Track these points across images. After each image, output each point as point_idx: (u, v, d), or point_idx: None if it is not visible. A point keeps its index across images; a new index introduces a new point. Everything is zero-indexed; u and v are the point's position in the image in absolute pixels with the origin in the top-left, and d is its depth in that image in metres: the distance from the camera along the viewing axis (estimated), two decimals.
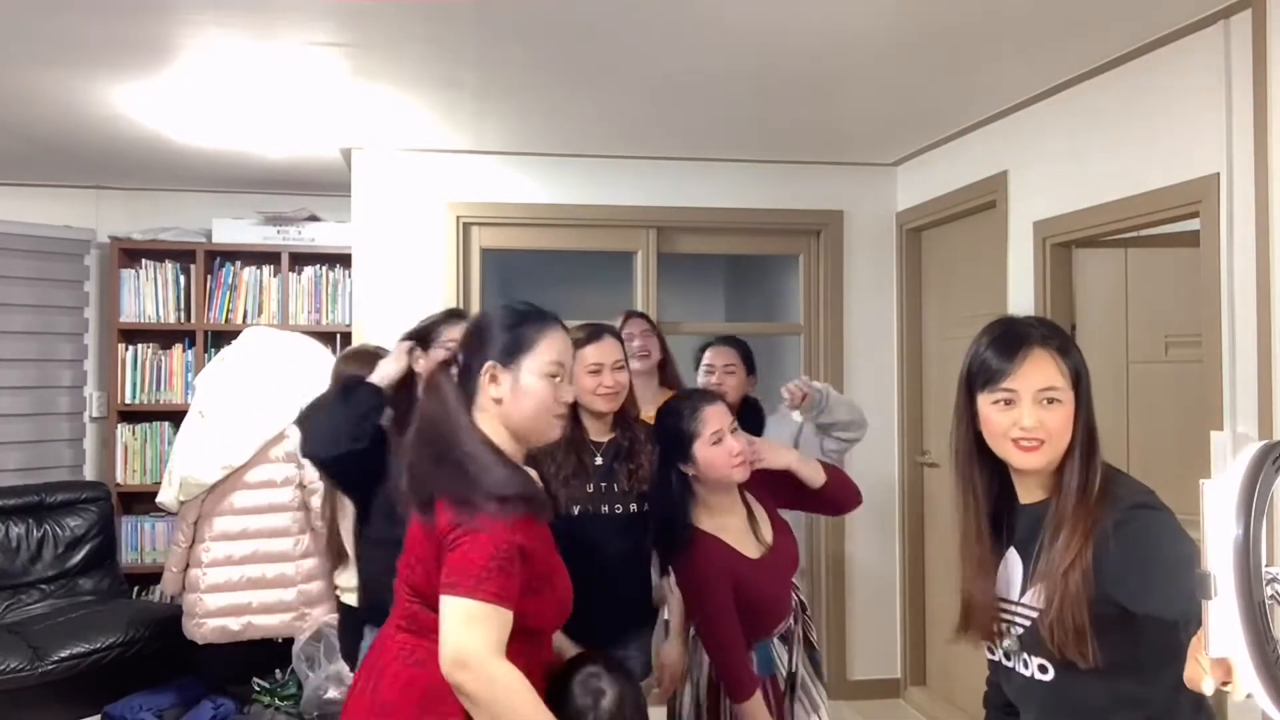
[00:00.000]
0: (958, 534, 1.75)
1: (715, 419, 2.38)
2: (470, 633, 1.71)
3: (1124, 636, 1.56)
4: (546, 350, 1.89)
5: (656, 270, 4.71)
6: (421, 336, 2.55)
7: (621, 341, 2.76)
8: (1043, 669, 1.63)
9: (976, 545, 1.71)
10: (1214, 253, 2.84)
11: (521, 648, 1.78)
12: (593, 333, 2.69)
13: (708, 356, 3.48)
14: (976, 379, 1.67)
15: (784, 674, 2.49)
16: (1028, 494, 1.70)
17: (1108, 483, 1.63)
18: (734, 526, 2.43)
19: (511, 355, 1.88)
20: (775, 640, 2.46)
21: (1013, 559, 1.69)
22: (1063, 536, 1.58)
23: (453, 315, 2.62)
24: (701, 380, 3.46)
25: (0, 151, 4.56)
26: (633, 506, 2.59)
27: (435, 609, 1.75)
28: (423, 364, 2.49)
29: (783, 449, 2.57)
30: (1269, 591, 0.95)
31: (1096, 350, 3.59)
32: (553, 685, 1.95)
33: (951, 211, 4.33)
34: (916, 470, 4.71)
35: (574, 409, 2.62)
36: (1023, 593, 1.65)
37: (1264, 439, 1.02)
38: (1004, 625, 1.68)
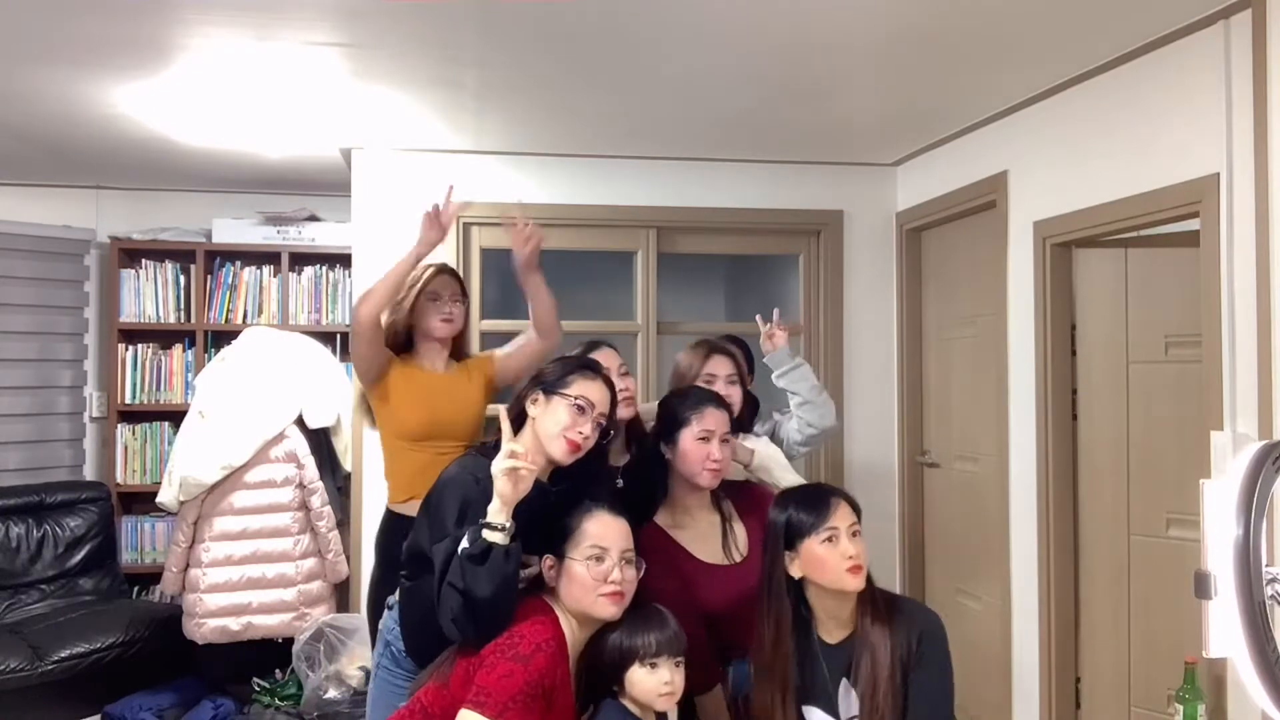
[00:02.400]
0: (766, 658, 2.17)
1: (713, 421, 2.42)
2: None
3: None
4: (586, 535, 2.10)
5: (656, 270, 4.71)
6: (546, 382, 2.24)
7: (616, 350, 2.77)
8: None
9: (784, 678, 2.12)
10: (1214, 253, 2.84)
11: None
12: (589, 346, 2.75)
13: (708, 366, 3.16)
14: (801, 529, 2.15)
15: None
16: (832, 634, 2.16)
17: (889, 598, 2.21)
18: (694, 529, 2.45)
19: (560, 544, 2.12)
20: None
21: (844, 688, 2.11)
22: (883, 662, 2.09)
23: (585, 366, 2.28)
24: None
25: (0, 151, 4.56)
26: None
27: None
28: (538, 409, 2.21)
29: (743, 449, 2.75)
30: (1269, 591, 0.95)
31: (1096, 350, 3.59)
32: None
33: (951, 211, 4.33)
34: (916, 470, 4.71)
35: None
36: (862, 714, 2.07)
37: (1264, 439, 1.02)
38: None
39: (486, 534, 1.99)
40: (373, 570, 3.05)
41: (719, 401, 2.51)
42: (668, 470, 2.44)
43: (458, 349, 3.16)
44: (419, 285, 3.08)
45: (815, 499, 2.18)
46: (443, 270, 3.17)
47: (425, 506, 2.27)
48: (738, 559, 2.43)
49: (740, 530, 2.49)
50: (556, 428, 2.17)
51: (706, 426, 2.40)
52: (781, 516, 2.18)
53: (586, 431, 2.18)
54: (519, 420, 2.23)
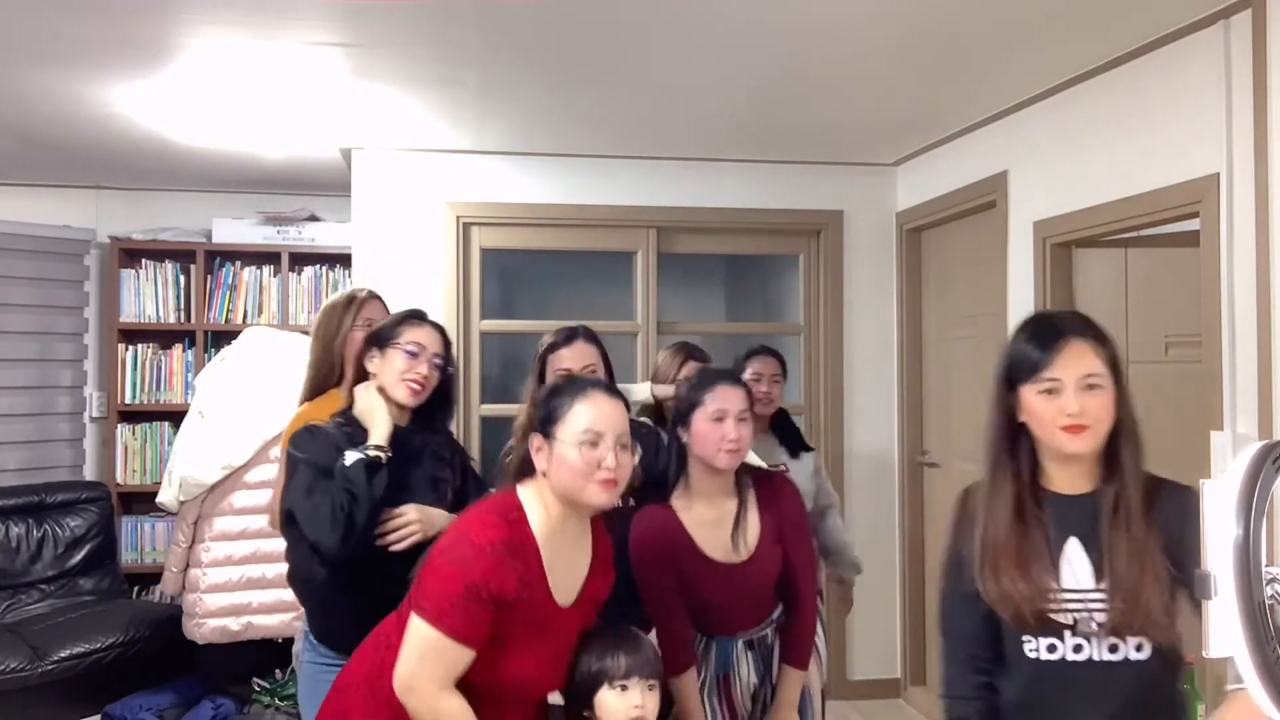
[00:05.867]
0: (986, 529, 1.76)
1: (726, 399, 2.35)
2: (422, 661, 1.80)
3: (1179, 615, 1.68)
4: (579, 418, 1.92)
5: (656, 270, 4.71)
6: (379, 338, 2.44)
7: (598, 343, 2.75)
8: (1139, 648, 1.68)
9: (1024, 533, 1.73)
10: (1214, 253, 2.84)
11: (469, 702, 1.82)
12: (567, 336, 2.70)
13: (755, 365, 3.36)
14: (1018, 371, 1.73)
15: (746, 683, 2.43)
16: (1072, 485, 1.74)
17: (1146, 475, 1.74)
18: (706, 516, 2.39)
19: (549, 425, 1.94)
20: (739, 642, 2.42)
21: (1074, 548, 1.72)
22: (1135, 520, 1.67)
23: (412, 316, 2.49)
24: None
25: (0, 151, 4.56)
26: (617, 501, 2.60)
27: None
28: (376, 364, 2.40)
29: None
30: (1269, 591, 0.95)
31: None
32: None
33: (951, 211, 4.33)
34: (916, 470, 4.71)
35: None
36: (1098, 580, 1.69)
37: (1264, 439, 1.02)
38: (1075, 615, 1.70)
39: (373, 453, 2.23)
40: None
41: (734, 379, 2.45)
42: (685, 452, 2.40)
43: None
44: (354, 314, 2.91)
45: (1044, 335, 1.73)
46: (373, 296, 3.01)
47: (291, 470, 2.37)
48: (744, 555, 2.38)
49: (754, 523, 2.41)
50: (395, 375, 2.35)
51: (720, 405, 2.33)
52: (1008, 347, 1.80)
53: (424, 371, 2.37)
54: (361, 379, 2.41)
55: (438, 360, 2.41)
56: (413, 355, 2.37)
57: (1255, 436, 2.71)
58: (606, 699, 2.02)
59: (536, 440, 1.95)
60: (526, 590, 1.85)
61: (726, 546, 2.36)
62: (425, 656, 1.79)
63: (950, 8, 2.81)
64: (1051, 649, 1.72)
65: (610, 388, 2.04)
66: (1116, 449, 1.70)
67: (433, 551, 1.89)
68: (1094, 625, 1.68)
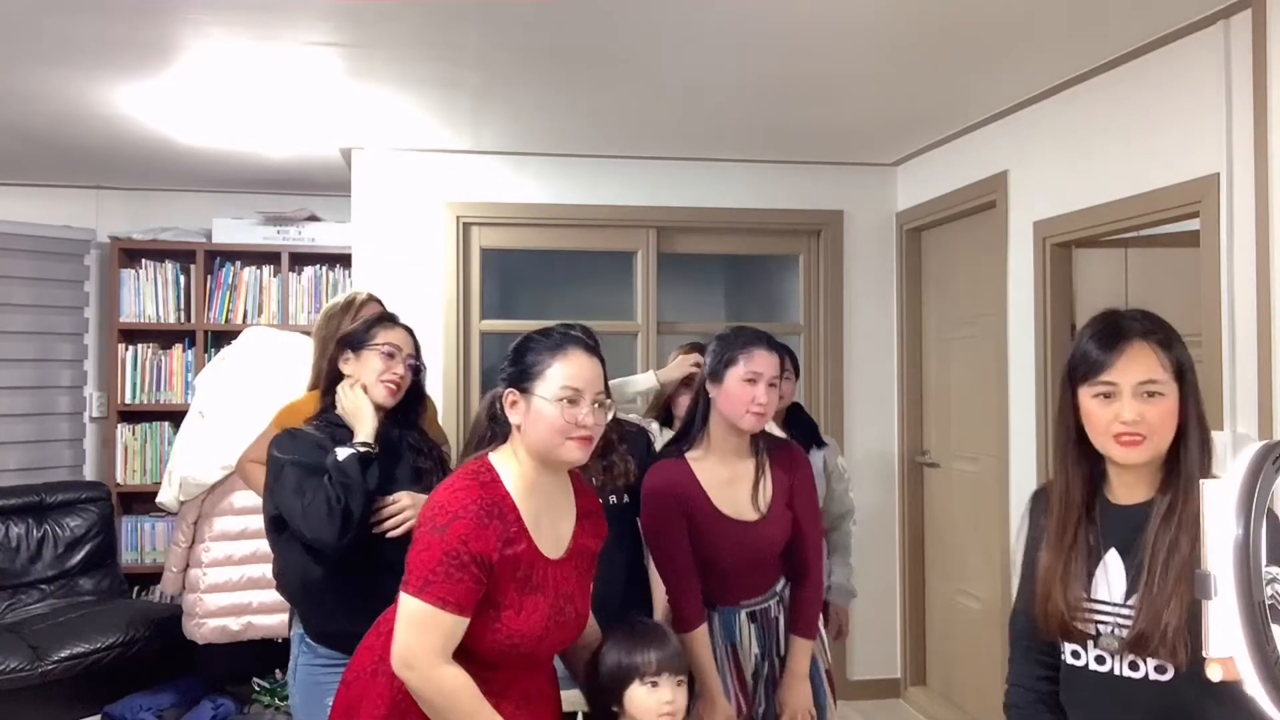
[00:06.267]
0: (1056, 528, 1.70)
1: (763, 363, 2.34)
2: (415, 634, 1.78)
3: None
4: (558, 374, 1.87)
5: (656, 270, 4.71)
6: (353, 341, 2.51)
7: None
8: (1161, 669, 1.60)
9: (1072, 541, 1.68)
10: (1214, 253, 2.84)
11: (473, 671, 1.80)
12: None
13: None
14: (1078, 372, 1.66)
15: (748, 654, 2.42)
16: (1128, 494, 1.67)
17: None
18: (722, 474, 2.39)
19: (525, 380, 1.89)
20: (742, 613, 2.42)
21: (1113, 559, 1.66)
22: (1172, 535, 1.57)
23: (384, 319, 2.57)
24: None
25: (0, 151, 4.56)
26: (611, 499, 2.61)
27: None
28: (351, 366, 2.47)
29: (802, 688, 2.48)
30: (1269, 591, 0.95)
31: None
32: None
33: (951, 211, 4.33)
34: (916, 470, 4.71)
35: None
36: (1129, 594, 1.63)
37: (1264, 439, 1.02)
38: (1101, 627, 1.65)
39: (363, 448, 2.33)
40: None
41: (772, 344, 2.42)
42: (709, 407, 2.40)
43: None
44: (352, 316, 3.02)
45: (1105, 336, 1.66)
46: (371, 299, 3.15)
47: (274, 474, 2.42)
48: (756, 515, 2.38)
49: (769, 484, 2.42)
50: (373, 376, 2.44)
51: (755, 368, 2.32)
52: (1074, 344, 1.74)
53: (400, 371, 2.47)
54: (333, 381, 2.50)
55: (411, 360, 2.51)
56: (389, 356, 2.46)
57: (1255, 436, 2.71)
58: (637, 695, 2.03)
59: (511, 395, 1.90)
60: (509, 547, 1.82)
61: (738, 504, 2.37)
62: (418, 630, 1.77)
63: (950, 8, 2.81)
64: (1076, 655, 1.69)
65: (587, 343, 1.97)
66: (1178, 458, 1.61)
67: (415, 528, 1.91)
68: (1115, 641, 1.63)
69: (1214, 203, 2.83)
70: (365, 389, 2.45)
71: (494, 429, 1.99)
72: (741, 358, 2.34)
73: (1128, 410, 1.59)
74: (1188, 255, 3.08)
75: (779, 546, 2.44)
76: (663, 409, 3.22)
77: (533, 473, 1.90)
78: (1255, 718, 1.57)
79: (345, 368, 2.48)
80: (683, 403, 2.99)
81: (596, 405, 1.89)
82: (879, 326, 4.80)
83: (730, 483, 2.39)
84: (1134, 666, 1.62)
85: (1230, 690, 1.55)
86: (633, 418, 3.05)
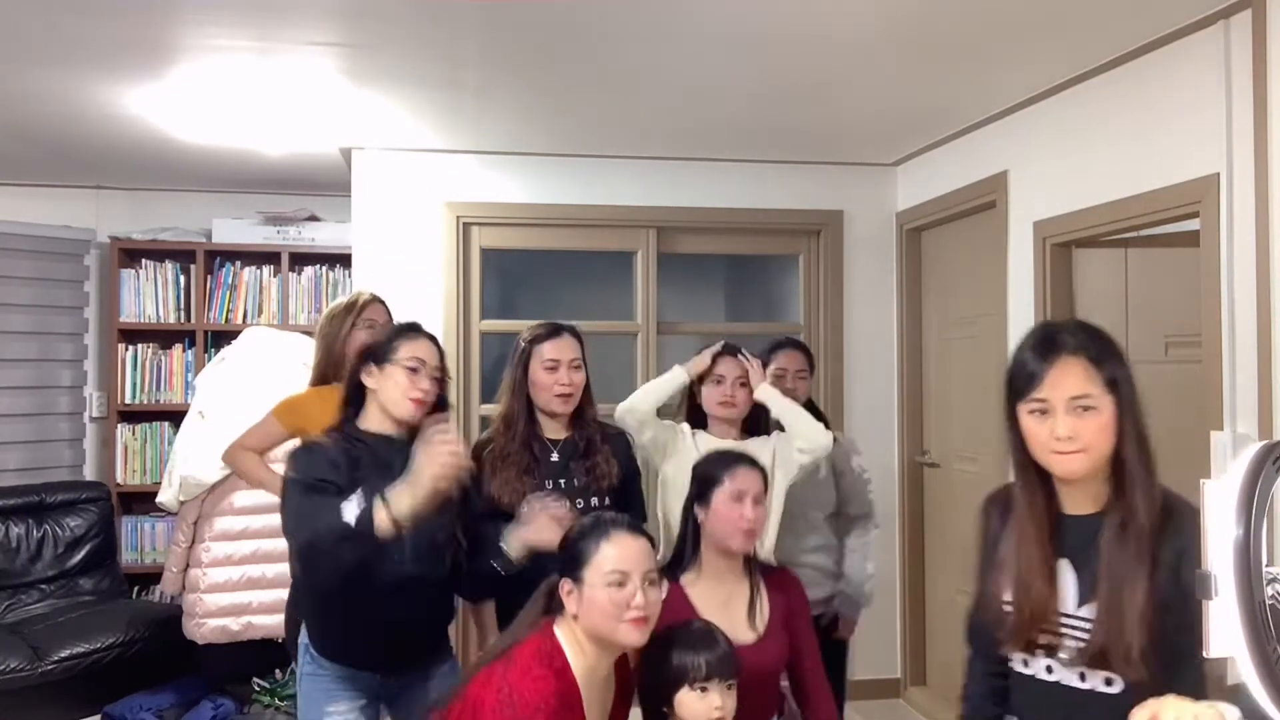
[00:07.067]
0: (1017, 539, 1.71)
1: (746, 480, 2.38)
2: None
3: (1178, 650, 1.54)
4: (605, 559, 1.97)
5: (656, 270, 4.71)
6: (376, 354, 2.39)
7: (581, 341, 2.77)
8: (1109, 682, 1.60)
9: (1038, 550, 1.68)
10: (1214, 253, 2.84)
11: None
12: (551, 330, 2.73)
13: (779, 361, 3.28)
14: (1013, 387, 1.67)
15: None
16: (1075, 505, 1.68)
17: (1170, 504, 1.62)
18: (717, 598, 2.37)
19: (575, 568, 1.99)
20: None
21: (1065, 570, 1.67)
22: (1129, 550, 1.58)
23: (408, 329, 2.45)
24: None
25: (0, 151, 4.56)
26: (593, 500, 2.63)
27: None
28: (374, 380, 2.37)
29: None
30: (1269, 591, 0.95)
31: None
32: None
33: (951, 211, 4.33)
34: (916, 470, 4.71)
35: (529, 407, 2.70)
36: (1080, 604, 1.63)
37: (1264, 439, 1.02)
38: (1055, 638, 1.65)
39: (383, 515, 2.09)
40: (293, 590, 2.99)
41: (752, 461, 2.48)
42: (699, 532, 2.41)
43: None
44: (355, 316, 2.99)
45: (1037, 351, 1.65)
46: (375, 299, 3.10)
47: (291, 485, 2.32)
48: (756, 633, 2.36)
49: (765, 604, 2.42)
50: (399, 391, 2.33)
51: (739, 486, 2.36)
52: (1011, 358, 1.72)
53: (426, 387, 2.35)
54: (357, 396, 2.40)
55: (436, 373, 2.40)
56: (414, 371, 2.35)
57: (1255, 436, 2.71)
58: (687, 700, 2.05)
59: (566, 585, 2.00)
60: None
61: (735, 625, 2.33)
62: None
63: (950, 8, 2.81)
64: (1025, 663, 1.71)
65: (633, 524, 2.08)
66: (1124, 472, 1.61)
67: (484, 710, 1.88)
68: (1063, 653, 1.64)
69: (1214, 203, 2.83)
70: (386, 405, 2.35)
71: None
72: (726, 477, 2.38)
73: (1061, 425, 1.59)
74: (1188, 255, 3.08)
75: (778, 667, 2.42)
76: (690, 408, 3.14)
77: (594, 658, 1.98)
78: None
79: (369, 381, 2.39)
80: (708, 395, 2.98)
81: (648, 584, 1.98)
82: (879, 326, 4.80)
83: (726, 604, 2.37)
84: (1081, 678, 1.63)
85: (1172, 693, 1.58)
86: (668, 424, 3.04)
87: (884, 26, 2.96)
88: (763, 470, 2.48)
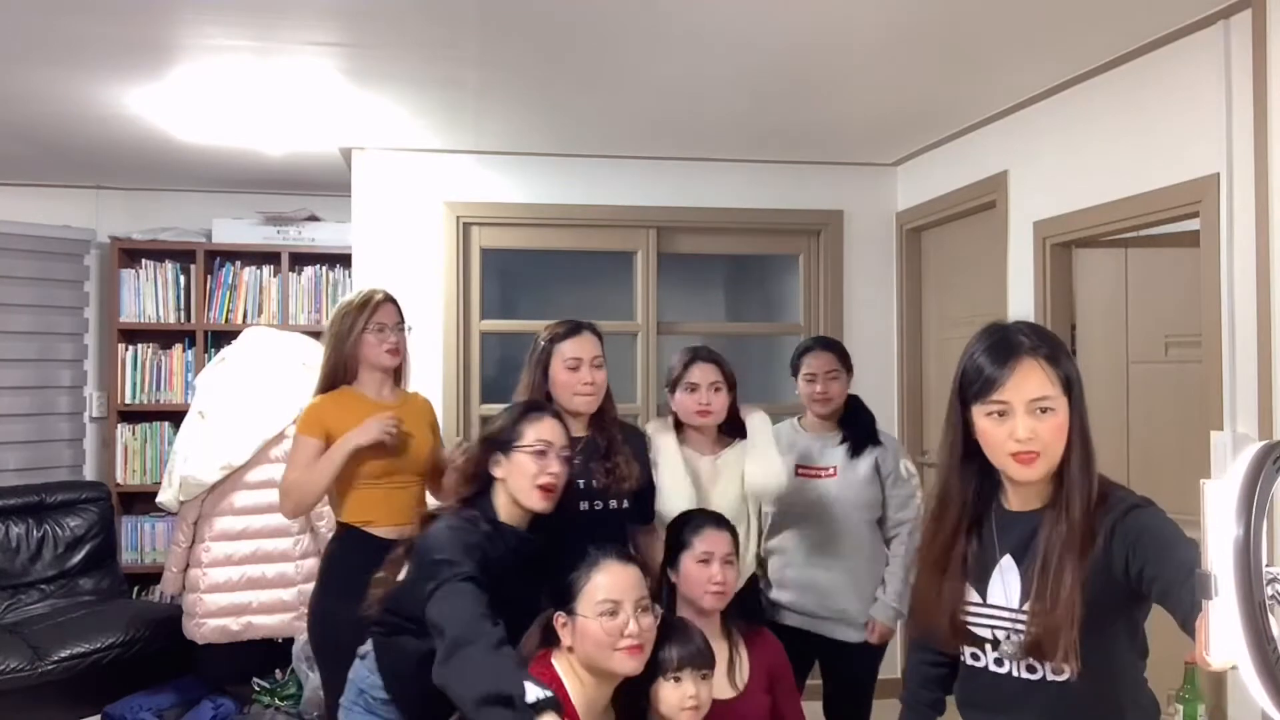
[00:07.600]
0: (927, 535, 1.80)
1: (713, 543, 2.43)
2: None
3: (1114, 640, 1.64)
4: (596, 589, 1.99)
5: (656, 270, 4.71)
6: (501, 443, 2.27)
7: (600, 338, 2.74)
8: (1058, 671, 1.63)
9: (952, 548, 1.73)
10: (1214, 253, 2.84)
11: None
12: (572, 328, 2.68)
13: (807, 365, 3.21)
14: (970, 389, 1.66)
15: None
16: (1021, 502, 1.70)
17: (1104, 491, 1.64)
18: None
19: (568, 600, 2.02)
20: None
21: (1008, 565, 1.69)
22: (1064, 547, 1.60)
23: (531, 410, 2.32)
24: (803, 388, 3.22)
25: (0, 151, 4.56)
26: (611, 503, 2.59)
27: None
28: (503, 469, 2.24)
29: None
30: (1269, 591, 0.95)
31: (1096, 350, 3.59)
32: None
33: (951, 211, 4.33)
34: (916, 470, 4.70)
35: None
36: (1024, 600, 1.65)
37: (1264, 439, 1.02)
38: (1000, 632, 1.68)
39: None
40: (320, 587, 2.89)
41: (721, 523, 2.50)
42: (674, 593, 2.44)
43: (397, 374, 3.05)
44: (366, 317, 2.93)
45: (995, 353, 1.63)
46: (387, 299, 3.02)
47: (418, 565, 2.17)
48: (735, 690, 2.38)
49: (745, 662, 2.44)
50: (527, 479, 2.22)
51: (706, 548, 2.41)
52: (963, 361, 1.69)
53: (556, 469, 2.24)
54: (486, 486, 2.27)
55: (564, 452, 2.28)
56: (541, 455, 2.23)
57: (1255, 436, 2.70)
58: (662, 691, 2.08)
59: (560, 617, 2.01)
60: None
61: (715, 682, 2.30)
62: None
63: (950, 8, 2.81)
64: (975, 657, 1.73)
65: (623, 553, 2.09)
66: (1065, 470, 1.63)
67: None
68: (1009, 646, 1.67)
69: (1214, 203, 2.83)
70: (515, 495, 2.23)
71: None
72: (695, 540, 2.43)
73: (1021, 428, 1.59)
74: (1188, 255, 3.08)
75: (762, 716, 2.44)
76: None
77: (594, 689, 2.00)
78: (1146, 713, 1.68)
79: (497, 471, 2.25)
80: (681, 402, 2.90)
81: (640, 611, 1.99)
82: (879, 326, 4.80)
83: None
84: (1032, 669, 1.66)
85: (1124, 691, 1.65)
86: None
87: (884, 27, 2.96)
88: (731, 529, 2.51)
